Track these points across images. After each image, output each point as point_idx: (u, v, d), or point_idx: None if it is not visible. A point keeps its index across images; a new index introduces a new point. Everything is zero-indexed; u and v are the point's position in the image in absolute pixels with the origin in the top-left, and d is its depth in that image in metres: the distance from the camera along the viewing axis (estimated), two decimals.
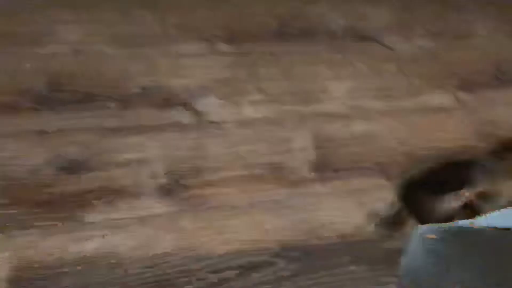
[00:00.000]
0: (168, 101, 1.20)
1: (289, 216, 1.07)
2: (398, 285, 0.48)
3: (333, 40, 1.44)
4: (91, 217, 0.98)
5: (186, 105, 1.20)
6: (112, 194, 1.02)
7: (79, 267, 0.91)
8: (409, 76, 1.40)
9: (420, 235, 0.47)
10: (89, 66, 1.21)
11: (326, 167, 1.16)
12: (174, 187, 1.06)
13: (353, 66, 1.38)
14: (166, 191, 1.05)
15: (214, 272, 0.96)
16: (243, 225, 1.03)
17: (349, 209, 1.10)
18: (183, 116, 1.18)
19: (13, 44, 1.19)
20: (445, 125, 1.30)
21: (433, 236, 0.46)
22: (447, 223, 0.46)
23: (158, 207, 1.02)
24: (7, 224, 0.93)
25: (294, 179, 1.13)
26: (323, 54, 1.39)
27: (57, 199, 0.99)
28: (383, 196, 1.13)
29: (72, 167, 1.04)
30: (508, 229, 0.42)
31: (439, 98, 1.36)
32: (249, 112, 1.22)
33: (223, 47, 1.33)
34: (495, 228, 0.43)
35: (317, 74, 1.35)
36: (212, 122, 1.18)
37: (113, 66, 1.23)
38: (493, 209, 0.94)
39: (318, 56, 1.39)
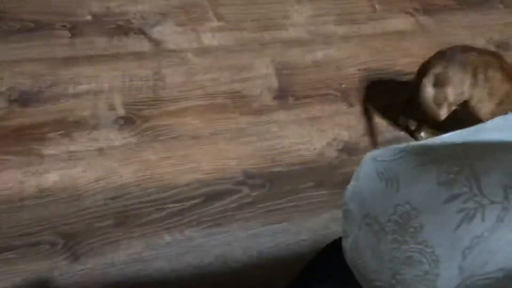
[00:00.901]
0: (123, 28, 1.14)
1: (252, 144, 1.06)
2: (343, 211, 0.47)
3: None
4: (49, 150, 0.95)
5: (142, 33, 1.15)
6: (69, 126, 0.98)
7: (38, 200, 0.88)
8: (371, 1, 1.37)
9: (372, 158, 0.46)
10: None
11: (287, 94, 1.14)
12: (132, 117, 1.03)
13: None
14: (125, 122, 1.02)
15: (178, 201, 0.95)
16: (206, 155, 1.01)
17: (311, 136, 1.10)
18: (139, 45, 1.13)
19: None
20: (406, 48, 1.29)
21: (386, 158, 0.45)
22: (403, 144, 0.45)
23: (117, 138, 0.99)
24: None
25: (256, 107, 1.11)
26: None
27: (11, 133, 0.95)
28: (344, 122, 1.13)
29: (25, 99, 0.99)
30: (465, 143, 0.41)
31: (401, 23, 1.35)
32: (208, 39, 1.18)
33: None
34: (453, 143, 0.42)
35: (279, 1, 1.31)
36: (170, 50, 1.14)
37: None
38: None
39: None
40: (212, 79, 1.12)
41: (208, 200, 0.97)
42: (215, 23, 1.21)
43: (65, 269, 0.84)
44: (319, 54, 1.23)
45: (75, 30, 1.11)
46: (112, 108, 1.03)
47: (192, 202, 0.96)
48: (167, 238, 0.91)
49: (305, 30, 1.26)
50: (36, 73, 1.02)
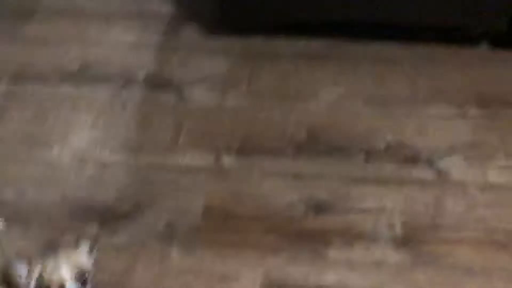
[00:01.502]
0: (411, 158, 1.25)
1: None
2: None
3: None
4: (332, 253, 1.08)
5: (429, 163, 1.24)
6: (352, 237, 1.11)
7: None
8: None
9: None
10: (343, 122, 1.35)
11: None
12: (409, 239, 1.10)
13: None
14: (402, 242, 1.09)
15: None
16: None
17: None
18: (425, 173, 1.22)
19: (283, 100, 1.41)
20: None
21: None
22: None
23: (392, 256, 1.07)
24: (263, 248, 1.09)
25: None
26: None
27: (304, 233, 1.12)
28: None
29: (320, 208, 1.16)
30: None
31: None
32: (494, 176, 1.20)
33: (473, 111, 1.34)
34: None
35: None
36: (453, 182, 1.19)
37: (364, 123, 1.35)
38: None
39: None
40: (494, 215, 1.12)
41: None
42: (504, 162, 1.22)
43: None
44: None
45: (369, 155, 1.26)
46: (391, 227, 1.12)
47: None
48: None
49: None
50: (332, 187, 1.20)
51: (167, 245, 1.08)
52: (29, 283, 0.80)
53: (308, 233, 1.12)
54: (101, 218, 1.13)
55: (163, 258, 1.07)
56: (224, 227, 1.13)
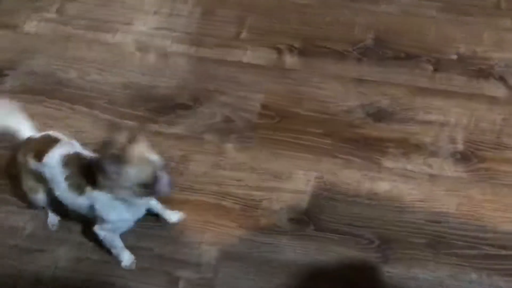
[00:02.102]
0: (483, 72, 1.18)
1: None
2: None
3: None
4: (387, 162, 1.06)
5: (502, 79, 1.16)
6: (410, 147, 1.07)
7: (368, 201, 1.00)
8: None
9: None
10: (415, 28, 1.26)
11: None
12: (470, 155, 1.06)
13: None
14: (462, 157, 1.05)
15: (493, 246, 0.94)
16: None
17: None
18: (496, 90, 1.15)
19: (353, 0, 1.33)
20: None
21: None
22: None
23: (450, 170, 1.04)
24: (319, 150, 1.08)
25: None
26: None
27: (361, 140, 1.09)
28: None
29: (380, 116, 1.12)
30: None
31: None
32: None
33: None
34: None
35: None
36: None
37: (437, 30, 1.26)
38: None
39: None
40: None
41: None
42: None
43: (375, 266, 0.93)
44: None
45: (439, 65, 1.19)
46: (453, 141, 1.08)
47: (510, 252, 0.93)
48: (473, 276, 0.91)
49: None
50: (395, 96, 1.15)
51: (223, 139, 1.09)
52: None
53: (365, 140, 1.09)
54: (161, 107, 1.14)
55: (219, 151, 1.07)
56: (281, 126, 1.12)
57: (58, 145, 0.88)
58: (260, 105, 1.14)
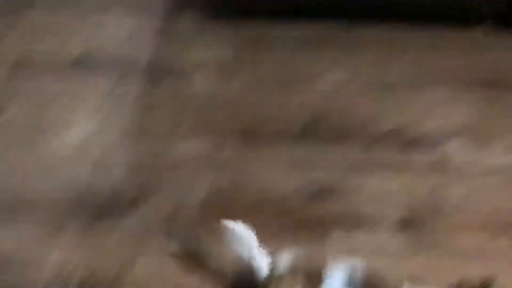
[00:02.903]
0: (414, 141, 1.22)
1: None
2: None
3: None
4: (332, 240, 1.06)
5: (432, 147, 1.20)
6: (353, 223, 1.08)
7: None
8: None
9: None
10: (348, 105, 1.31)
11: None
12: (411, 225, 1.07)
13: None
14: (404, 228, 1.06)
15: None
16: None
17: None
18: (428, 157, 1.18)
19: (285, 85, 1.38)
20: None
21: None
22: None
23: (393, 241, 1.04)
24: (261, 236, 1.07)
25: None
26: None
27: (305, 222, 1.09)
28: None
29: (321, 195, 1.14)
30: None
31: None
32: (498, 158, 1.16)
33: (478, 93, 1.30)
34: None
35: None
36: (457, 165, 1.16)
37: (366, 107, 1.31)
38: None
39: None
40: (502, 199, 1.09)
41: None
42: (508, 142, 1.18)
43: None
44: None
45: (372, 139, 1.23)
46: (393, 212, 1.09)
47: None
48: None
49: None
50: (335, 173, 1.16)
51: (167, 237, 1.07)
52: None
53: (309, 220, 1.09)
54: (103, 207, 1.12)
55: (164, 250, 1.05)
56: (225, 216, 1.10)
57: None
58: (203, 196, 1.14)
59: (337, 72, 1.38)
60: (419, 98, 1.30)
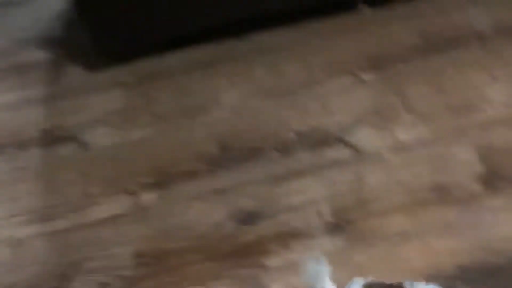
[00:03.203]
0: (322, 140, 1.23)
1: (464, 236, 1.01)
2: None
3: (482, 40, 1.34)
4: (273, 262, 1.05)
5: (340, 141, 1.22)
6: (287, 238, 1.08)
7: None
8: None
9: None
10: (250, 123, 1.31)
11: (496, 178, 1.08)
12: (341, 223, 1.08)
13: (508, 64, 1.27)
14: (335, 228, 1.08)
15: None
16: (414, 252, 1.00)
17: None
18: (339, 152, 1.20)
19: (187, 117, 1.35)
20: None
21: None
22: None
23: (328, 244, 1.05)
24: (206, 277, 1.05)
25: (462, 197, 1.07)
26: (474, 58, 1.31)
27: (240, 250, 1.08)
28: None
29: (250, 218, 1.13)
30: None
31: None
32: (403, 135, 1.20)
33: (368, 76, 1.34)
34: None
35: (469, 81, 1.27)
36: (367, 152, 1.19)
37: (269, 118, 1.32)
38: None
39: (469, 61, 1.31)
40: (412, 174, 1.12)
41: None
42: (408, 118, 1.22)
43: None
44: None
45: (283, 149, 1.23)
46: (321, 215, 1.10)
47: None
48: None
49: (505, 107, 1.19)
50: (256, 194, 1.16)
51: None
52: None
53: (244, 248, 1.08)
54: None
55: None
56: (160, 269, 1.07)
57: None
58: (132, 256, 1.10)
59: (234, 91, 1.38)
60: (316, 95, 1.32)
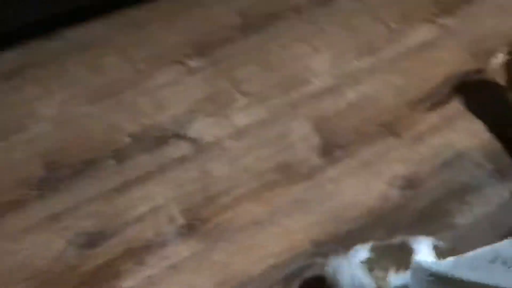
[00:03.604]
0: (160, 139, 1.15)
1: (313, 210, 1.02)
2: None
3: (299, 12, 1.36)
4: (127, 282, 0.96)
5: (178, 136, 1.15)
6: (139, 252, 0.99)
7: None
8: (385, 22, 1.31)
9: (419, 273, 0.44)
10: (77, 134, 1.17)
11: (332, 147, 1.10)
12: (193, 223, 1.02)
13: (326, 33, 1.30)
14: (188, 230, 1.01)
15: None
16: (272, 237, 0.99)
17: (368, 182, 1.04)
18: (179, 149, 1.14)
19: (1, 140, 1.17)
20: (436, 58, 1.21)
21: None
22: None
23: (184, 249, 0.99)
24: None
25: (305, 172, 1.07)
26: (294, 32, 1.32)
27: (89, 277, 0.97)
28: (397, 156, 1.07)
29: (93, 240, 1.01)
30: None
31: (422, 33, 1.27)
32: (240, 119, 1.17)
33: (195, 63, 1.28)
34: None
35: (293, 54, 1.28)
36: (208, 143, 1.13)
37: (99, 124, 1.19)
38: None
39: (290, 35, 1.31)
40: (256, 158, 1.10)
41: (288, 283, 0.93)
42: (243, 101, 1.20)
43: None
44: (351, 95, 1.18)
45: (119, 156, 1.13)
46: (172, 220, 1.03)
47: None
48: None
49: (330, 76, 1.22)
50: (97, 212, 1.05)
51: None
52: None
53: (93, 274, 0.97)
54: None
55: None
56: None
57: None
58: None
59: (52, 99, 1.22)
60: (145, 92, 1.23)
